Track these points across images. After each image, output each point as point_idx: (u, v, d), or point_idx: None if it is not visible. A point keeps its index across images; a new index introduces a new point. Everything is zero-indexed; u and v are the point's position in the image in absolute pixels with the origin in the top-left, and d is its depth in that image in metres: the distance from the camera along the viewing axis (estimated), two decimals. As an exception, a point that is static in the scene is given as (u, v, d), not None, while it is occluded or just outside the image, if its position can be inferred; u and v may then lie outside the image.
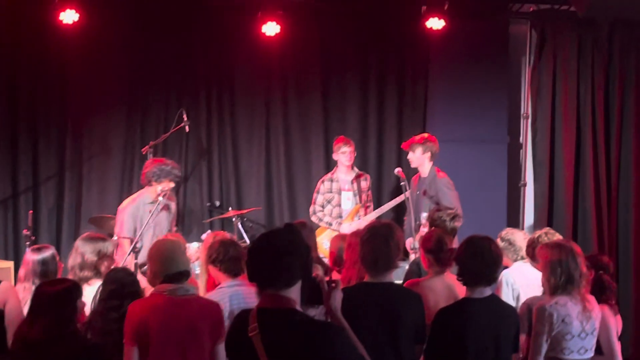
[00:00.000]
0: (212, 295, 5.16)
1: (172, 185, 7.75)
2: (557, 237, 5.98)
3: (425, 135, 8.34)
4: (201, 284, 5.49)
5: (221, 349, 4.27)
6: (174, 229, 8.03)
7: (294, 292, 3.28)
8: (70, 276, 5.46)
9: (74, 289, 4.37)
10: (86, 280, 5.46)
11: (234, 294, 5.14)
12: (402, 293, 4.63)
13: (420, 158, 8.15)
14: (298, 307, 3.28)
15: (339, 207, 8.71)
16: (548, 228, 6.27)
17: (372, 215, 8.57)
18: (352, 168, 8.80)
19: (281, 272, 3.25)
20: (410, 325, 4.45)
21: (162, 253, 4.58)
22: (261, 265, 3.29)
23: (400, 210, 9.00)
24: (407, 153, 8.29)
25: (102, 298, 4.78)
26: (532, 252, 5.83)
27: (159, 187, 7.57)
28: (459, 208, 7.44)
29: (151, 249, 4.71)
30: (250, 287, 5.22)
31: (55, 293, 4.26)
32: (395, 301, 4.50)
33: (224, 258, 5.21)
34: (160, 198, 7.46)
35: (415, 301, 4.60)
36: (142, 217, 7.62)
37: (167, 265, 4.49)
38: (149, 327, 4.31)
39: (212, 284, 5.43)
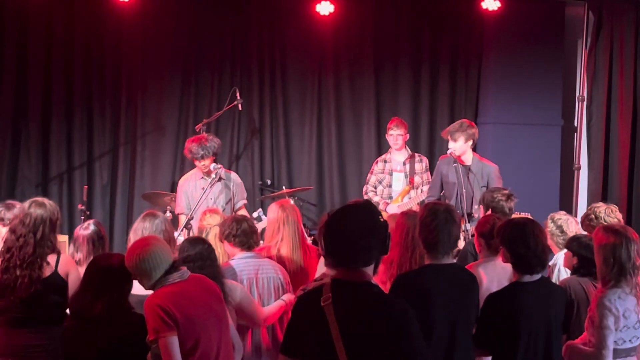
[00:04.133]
0: (224, 268, 5.21)
1: (202, 162, 7.47)
2: (618, 215, 5.89)
3: (466, 121, 7.89)
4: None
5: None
6: (243, 201, 7.81)
7: (370, 268, 3.27)
8: None
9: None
10: None
11: (244, 265, 5.30)
12: (469, 275, 4.58)
13: (463, 146, 7.76)
14: (373, 281, 3.27)
15: (389, 187, 8.64)
16: (612, 206, 6.05)
17: (417, 199, 8.36)
18: (405, 149, 8.68)
19: (361, 252, 3.23)
20: (474, 306, 4.43)
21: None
22: (341, 243, 3.24)
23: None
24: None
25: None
26: (588, 225, 5.77)
27: (212, 165, 7.56)
28: None
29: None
30: (263, 259, 5.39)
31: (120, 269, 4.25)
32: (466, 283, 4.46)
33: (237, 232, 5.33)
34: (216, 175, 7.43)
35: (477, 283, 4.56)
36: (192, 193, 7.66)
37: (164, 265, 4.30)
38: (181, 314, 4.10)
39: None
